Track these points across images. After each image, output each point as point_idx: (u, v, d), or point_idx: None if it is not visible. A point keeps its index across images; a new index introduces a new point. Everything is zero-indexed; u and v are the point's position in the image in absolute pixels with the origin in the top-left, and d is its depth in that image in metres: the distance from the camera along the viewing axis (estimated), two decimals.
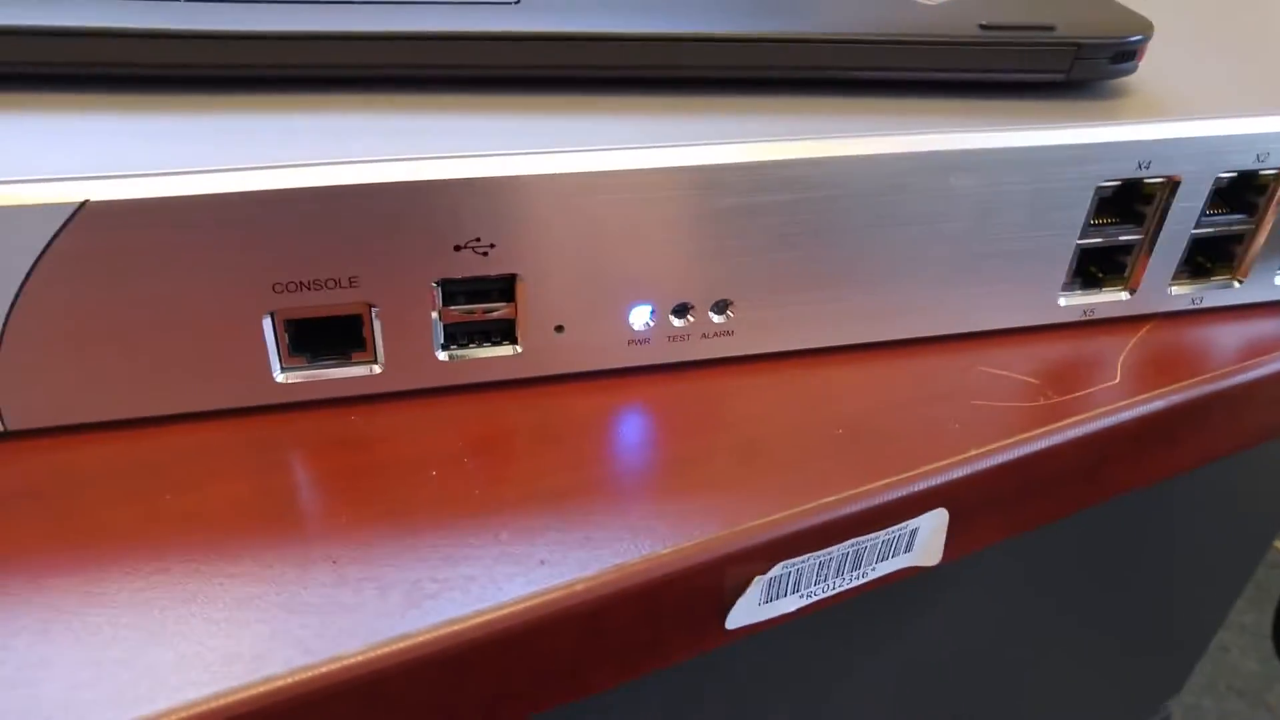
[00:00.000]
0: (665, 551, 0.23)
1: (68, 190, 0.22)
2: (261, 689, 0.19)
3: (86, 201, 0.22)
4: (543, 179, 0.24)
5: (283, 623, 0.21)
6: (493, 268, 0.25)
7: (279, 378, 0.26)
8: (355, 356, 0.26)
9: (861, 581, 0.25)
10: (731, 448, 0.26)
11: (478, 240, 0.25)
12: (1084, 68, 0.29)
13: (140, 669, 0.20)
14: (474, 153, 0.24)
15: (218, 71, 0.26)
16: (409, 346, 0.26)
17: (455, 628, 0.21)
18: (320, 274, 0.25)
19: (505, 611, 0.21)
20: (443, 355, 0.27)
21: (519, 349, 0.27)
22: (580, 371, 0.28)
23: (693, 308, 0.28)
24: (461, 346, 0.27)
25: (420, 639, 0.20)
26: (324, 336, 0.26)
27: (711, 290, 0.27)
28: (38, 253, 0.23)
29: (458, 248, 0.25)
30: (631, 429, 0.27)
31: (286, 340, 0.26)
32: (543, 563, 0.22)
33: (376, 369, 0.27)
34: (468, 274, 0.25)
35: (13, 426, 0.25)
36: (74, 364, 0.24)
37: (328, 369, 0.26)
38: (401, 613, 0.21)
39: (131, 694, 0.19)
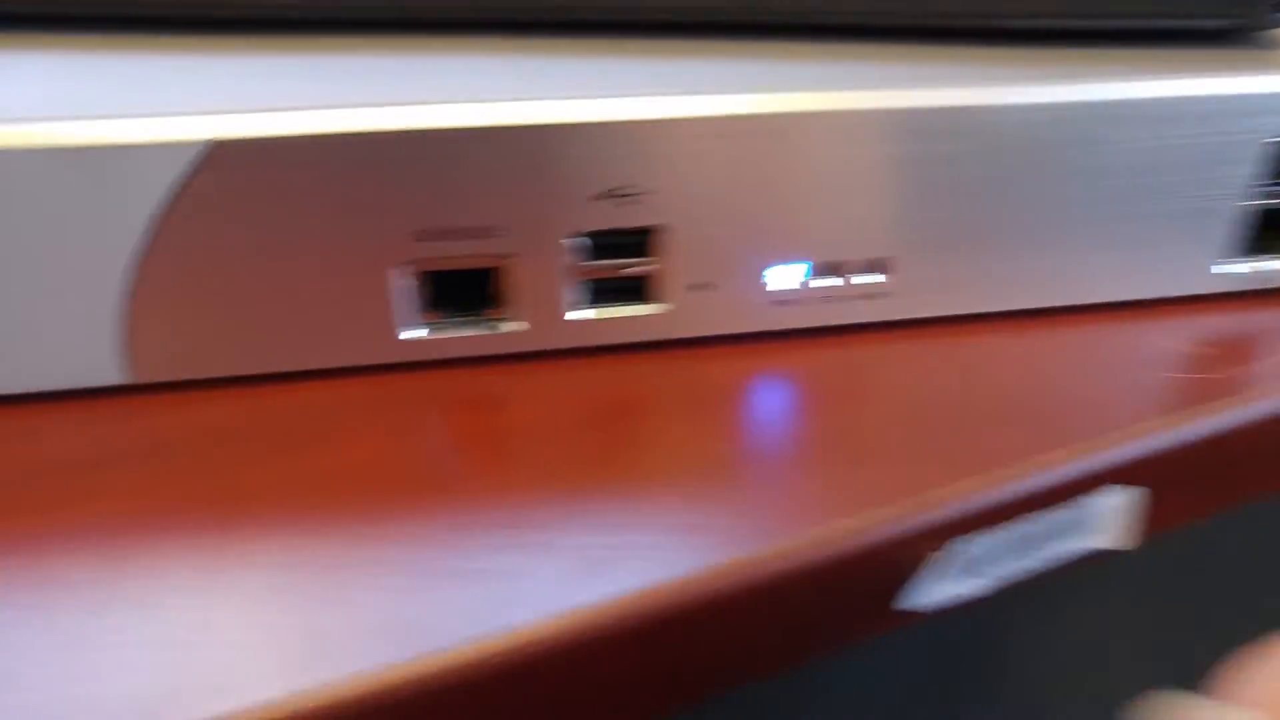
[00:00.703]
0: (846, 524, 0.21)
1: (195, 126, 0.21)
2: (435, 662, 0.18)
3: (215, 139, 0.21)
4: (700, 122, 0.23)
5: (451, 591, 0.19)
6: (639, 218, 0.24)
7: (410, 334, 0.25)
8: (489, 314, 0.25)
9: (1042, 564, 0.23)
10: (890, 418, 0.24)
11: (625, 187, 0.23)
12: (1253, 14, 0.27)
13: (308, 634, 0.18)
14: (627, 92, 0.23)
15: (351, 13, 0.24)
16: (545, 303, 0.25)
17: (635, 598, 0.19)
18: (461, 222, 0.23)
19: (687, 582, 0.19)
20: (579, 314, 0.25)
21: (659, 308, 0.26)
22: (723, 334, 0.26)
23: (847, 266, 0.26)
24: (599, 304, 0.25)
25: (604, 608, 0.19)
26: (456, 292, 0.25)
27: (868, 247, 0.26)
28: (168, 194, 0.21)
29: (603, 195, 0.23)
30: (781, 396, 0.25)
31: (421, 294, 0.24)
32: (708, 531, 0.21)
33: (511, 327, 0.25)
34: (612, 225, 0.24)
35: (143, 379, 0.24)
36: (204, 314, 0.23)
37: (460, 327, 0.25)
38: (578, 580, 0.19)
39: (300, 659, 0.18)
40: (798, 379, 0.26)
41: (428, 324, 0.25)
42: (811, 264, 0.25)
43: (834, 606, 0.22)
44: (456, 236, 0.23)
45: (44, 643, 0.18)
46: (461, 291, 0.24)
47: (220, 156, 0.21)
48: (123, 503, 0.21)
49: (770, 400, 0.25)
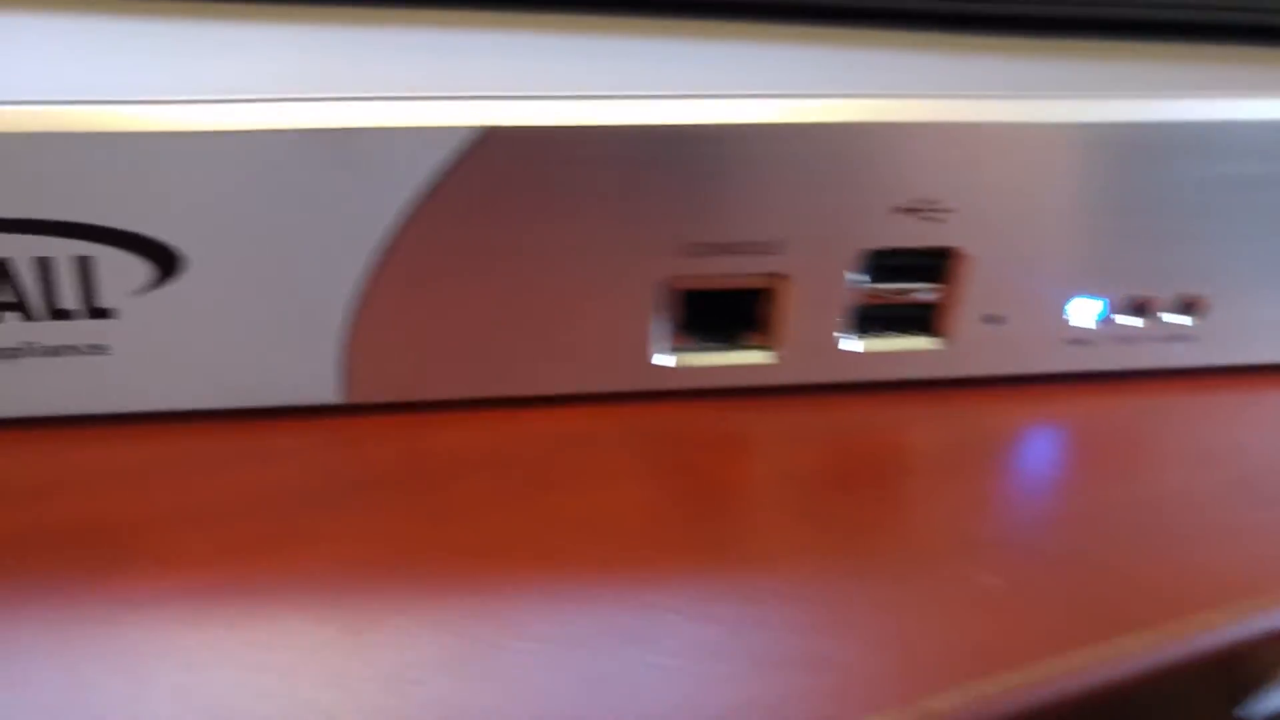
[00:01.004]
0: (1200, 618, 0.17)
1: (469, 112, 0.18)
2: None
3: (490, 126, 0.18)
4: (1026, 129, 0.19)
5: (752, 677, 0.16)
6: (936, 238, 0.21)
7: (660, 360, 0.21)
8: (748, 340, 0.22)
9: None
10: (1224, 484, 0.21)
11: (930, 203, 0.20)
12: None
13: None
14: (938, 92, 0.19)
15: None
16: (814, 331, 0.22)
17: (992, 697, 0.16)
18: (738, 235, 0.20)
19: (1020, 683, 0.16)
20: (850, 345, 0.22)
21: (943, 342, 0.22)
22: (1002, 375, 0.23)
23: (1154, 304, 0.22)
24: (871, 335, 0.22)
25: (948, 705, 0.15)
26: (711, 314, 0.21)
27: (1182, 282, 0.22)
28: (424, 186, 0.18)
29: (903, 210, 0.20)
30: (1071, 454, 0.22)
31: (676, 315, 0.21)
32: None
33: (772, 357, 0.22)
34: (905, 244, 0.21)
35: (356, 399, 0.21)
36: (436, 326, 0.20)
37: (715, 352, 0.22)
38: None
39: None
40: (1092, 431, 0.22)
41: (680, 349, 0.22)
42: (1110, 300, 0.22)
43: (1172, 712, 0.18)
44: (732, 252, 0.20)
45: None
46: (727, 314, 0.21)
47: (488, 148, 0.18)
48: (352, 548, 0.18)
49: (1059, 458, 0.22)
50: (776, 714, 0.16)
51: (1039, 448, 0.22)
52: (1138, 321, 0.22)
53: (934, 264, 0.21)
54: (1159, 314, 0.22)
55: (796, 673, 0.16)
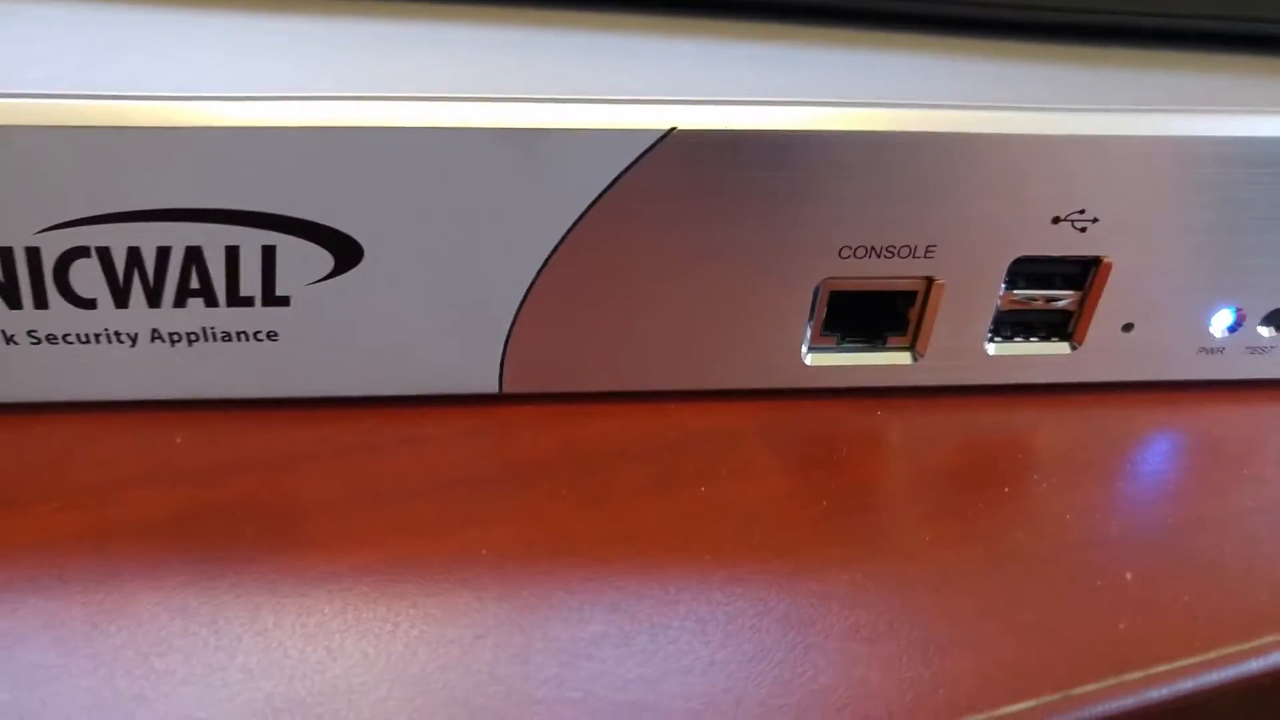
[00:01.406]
0: None
1: (654, 115, 0.19)
2: None
3: (674, 128, 0.19)
4: (1171, 142, 0.20)
5: (904, 659, 0.17)
6: (1084, 247, 0.21)
7: (810, 360, 0.22)
8: (891, 341, 0.22)
9: None
10: None
11: (1080, 213, 0.21)
12: None
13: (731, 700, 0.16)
14: (1088, 106, 0.20)
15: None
16: (955, 335, 0.22)
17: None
18: (898, 239, 0.20)
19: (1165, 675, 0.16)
20: (989, 349, 0.22)
21: (1073, 347, 0.23)
22: (1133, 381, 0.23)
23: None
24: (1008, 340, 0.23)
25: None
26: (855, 314, 0.22)
27: None
28: (604, 186, 0.19)
29: (1056, 219, 0.21)
30: (1215, 455, 0.22)
31: (824, 315, 0.22)
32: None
33: (911, 358, 0.22)
34: (1056, 252, 0.21)
35: (509, 389, 0.21)
36: (596, 320, 0.21)
37: (858, 353, 0.22)
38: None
39: None
40: (1222, 437, 0.23)
41: (824, 348, 0.22)
42: (1244, 310, 0.22)
43: None
44: (888, 255, 0.21)
45: None
46: (871, 314, 0.22)
47: (665, 151, 0.19)
48: (516, 529, 0.19)
49: (1189, 462, 0.22)
50: (932, 694, 0.16)
51: (1170, 452, 0.23)
52: (1272, 333, 0.23)
53: (1078, 271, 0.22)
54: None
55: (948, 657, 0.17)
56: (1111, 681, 0.16)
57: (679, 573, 0.18)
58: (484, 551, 0.18)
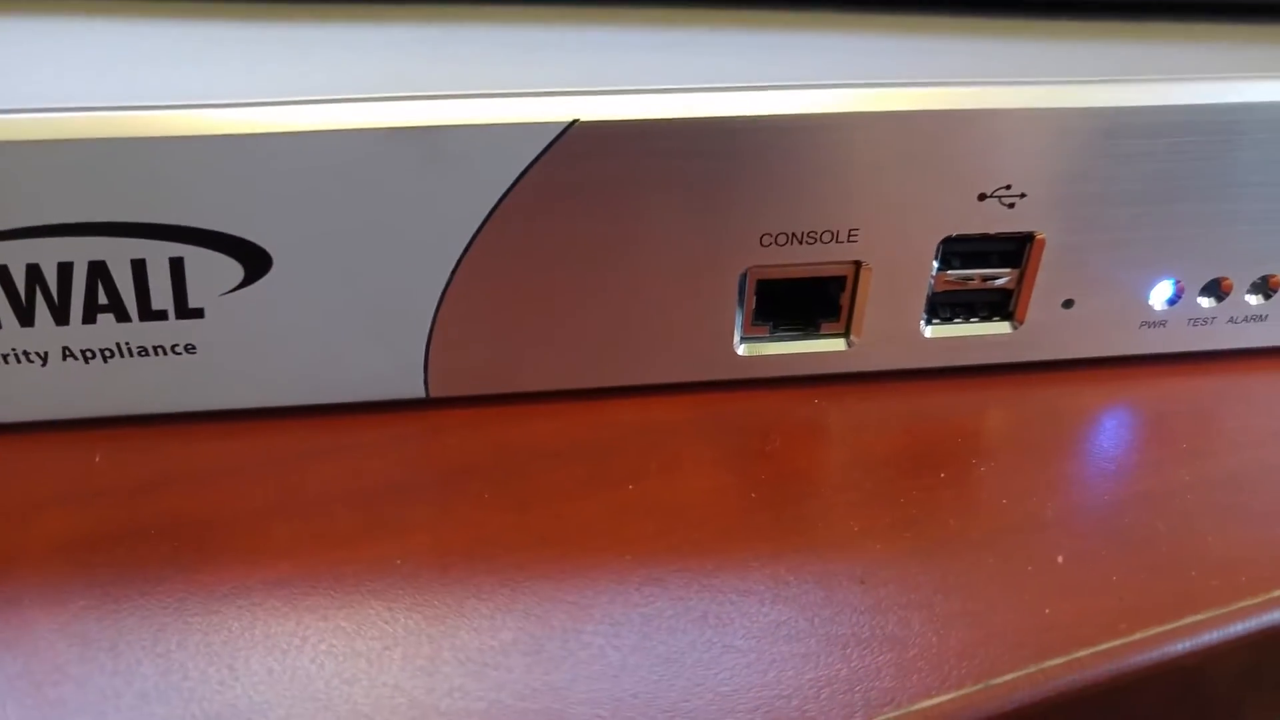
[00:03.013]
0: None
1: (556, 107, 0.18)
2: None
3: (576, 120, 0.18)
4: (1101, 113, 0.19)
5: (822, 657, 0.16)
6: (1015, 223, 0.21)
7: (740, 350, 0.22)
8: (825, 327, 0.22)
9: None
10: None
11: (1007, 188, 0.20)
12: None
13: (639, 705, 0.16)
14: (1014, 79, 0.20)
15: None
16: (890, 318, 0.22)
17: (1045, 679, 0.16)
18: (818, 224, 0.20)
19: (1089, 659, 0.16)
20: (926, 331, 0.22)
21: (1013, 326, 0.22)
22: (1074, 359, 0.23)
23: (1229, 285, 0.22)
24: (946, 321, 0.22)
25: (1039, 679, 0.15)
26: (786, 302, 0.22)
27: (1258, 264, 0.22)
28: (510, 182, 0.19)
29: (983, 196, 0.20)
30: (1156, 430, 0.22)
31: (753, 304, 0.21)
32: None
33: (846, 344, 0.22)
34: (986, 230, 0.21)
35: (436, 393, 0.21)
36: (518, 319, 0.20)
37: (791, 341, 0.22)
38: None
39: None
40: (1163, 412, 0.22)
41: (756, 338, 0.22)
42: (1184, 282, 0.22)
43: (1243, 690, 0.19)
44: (810, 240, 0.20)
45: None
46: (803, 302, 0.21)
47: (571, 143, 0.18)
48: (436, 537, 0.18)
49: (1130, 439, 0.22)
50: (848, 693, 0.16)
51: (1110, 429, 0.22)
52: (1212, 303, 0.22)
53: (1013, 249, 0.21)
54: (1235, 295, 0.22)
55: (868, 652, 0.17)
56: (1032, 669, 0.16)
57: (597, 575, 0.18)
58: (399, 561, 0.18)
